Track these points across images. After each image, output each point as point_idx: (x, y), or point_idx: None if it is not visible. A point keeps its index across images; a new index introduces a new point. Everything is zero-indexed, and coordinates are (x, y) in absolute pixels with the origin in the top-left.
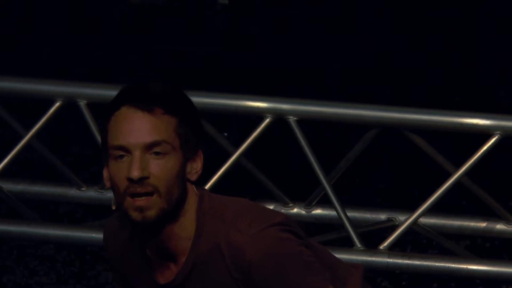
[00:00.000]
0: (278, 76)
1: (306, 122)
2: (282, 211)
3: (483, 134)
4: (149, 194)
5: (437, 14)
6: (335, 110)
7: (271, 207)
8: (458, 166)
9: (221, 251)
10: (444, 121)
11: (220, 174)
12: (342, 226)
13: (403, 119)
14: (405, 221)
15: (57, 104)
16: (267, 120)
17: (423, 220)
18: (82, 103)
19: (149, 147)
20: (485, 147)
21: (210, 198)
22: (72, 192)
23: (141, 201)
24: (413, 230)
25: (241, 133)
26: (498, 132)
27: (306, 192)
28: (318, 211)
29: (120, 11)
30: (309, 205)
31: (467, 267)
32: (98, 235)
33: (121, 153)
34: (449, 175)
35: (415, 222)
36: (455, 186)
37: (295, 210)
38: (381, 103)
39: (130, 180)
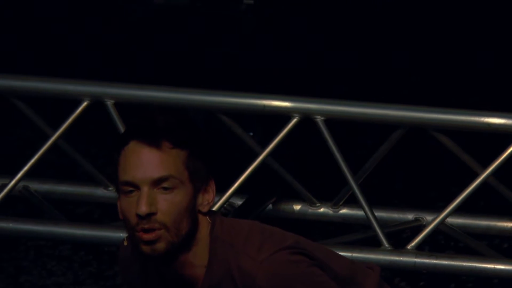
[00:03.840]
0: (305, 76)
1: (333, 121)
2: (310, 211)
3: (510, 134)
4: (157, 229)
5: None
6: (362, 110)
7: (298, 207)
8: (485, 166)
9: (233, 276)
10: (472, 121)
11: (247, 175)
12: (370, 225)
13: (430, 119)
14: (432, 221)
15: (85, 103)
16: (295, 120)
17: (450, 220)
18: (110, 103)
19: (156, 183)
20: None
21: (222, 225)
22: (99, 191)
23: (150, 236)
24: (440, 230)
25: (266, 133)
26: None
27: (333, 192)
28: (345, 211)
29: (144, 10)
30: (336, 205)
31: (494, 267)
32: (117, 234)
33: (130, 188)
34: (476, 175)
35: (442, 222)
36: (482, 186)
37: (322, 209)
38: (403, 101)
39: (138, 216)
